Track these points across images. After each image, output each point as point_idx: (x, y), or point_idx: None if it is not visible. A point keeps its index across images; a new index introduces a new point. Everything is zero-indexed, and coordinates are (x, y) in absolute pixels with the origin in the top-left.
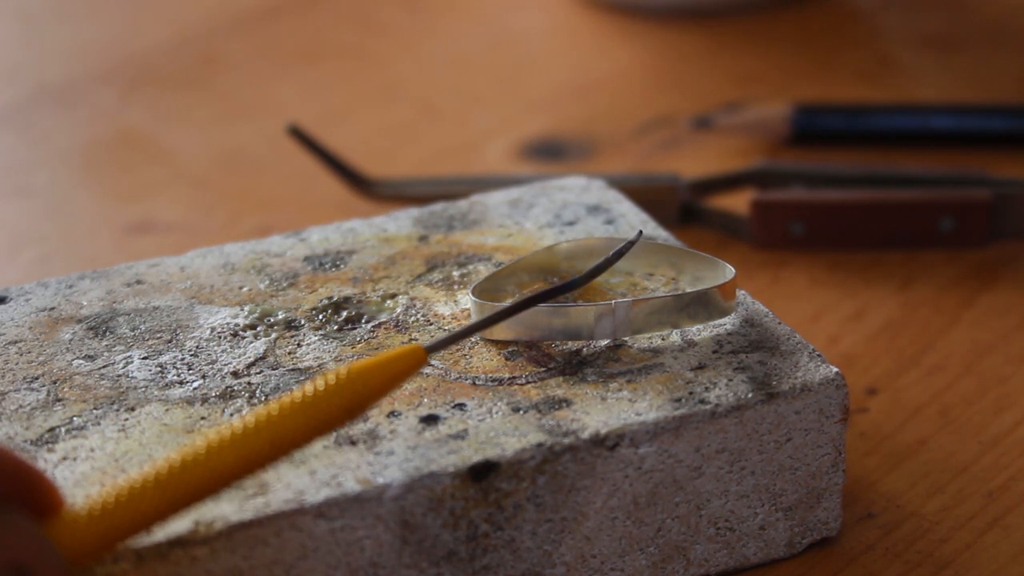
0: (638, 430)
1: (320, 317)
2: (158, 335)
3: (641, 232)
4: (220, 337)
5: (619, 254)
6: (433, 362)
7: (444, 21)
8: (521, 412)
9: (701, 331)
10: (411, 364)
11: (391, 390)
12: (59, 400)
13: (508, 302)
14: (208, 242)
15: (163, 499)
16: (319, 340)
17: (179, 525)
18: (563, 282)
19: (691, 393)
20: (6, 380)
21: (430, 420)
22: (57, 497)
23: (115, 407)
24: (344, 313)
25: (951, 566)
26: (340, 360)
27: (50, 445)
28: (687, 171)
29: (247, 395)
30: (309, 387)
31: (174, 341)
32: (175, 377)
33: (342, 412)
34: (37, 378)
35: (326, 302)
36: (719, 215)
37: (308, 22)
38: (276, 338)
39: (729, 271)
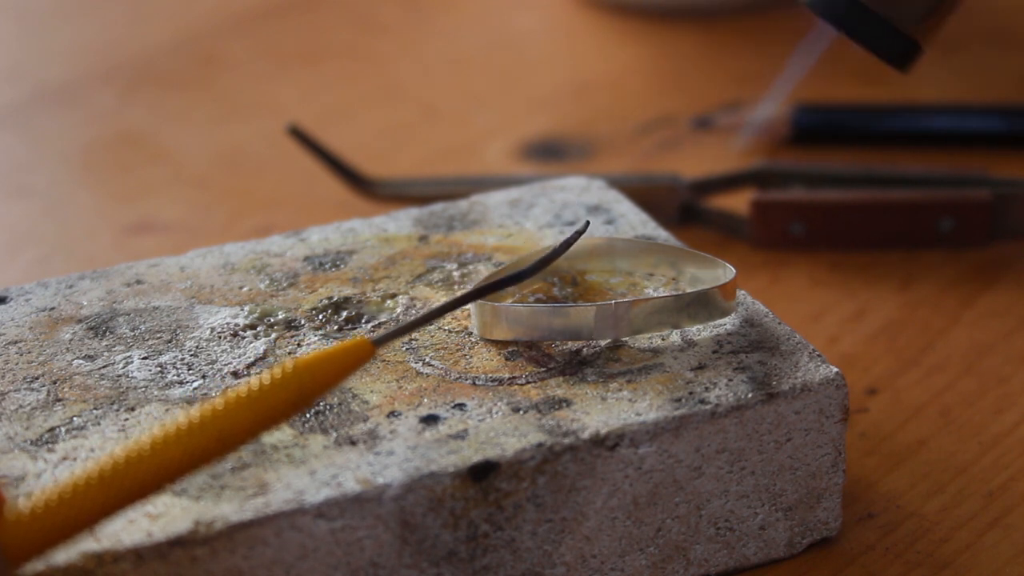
0: (638, 430)
1: (320, 317)
2: (158, 335)
3: (588, 222)
4: (220, 337)
5: (567, 244)
6: (433, 362)
7: (444, 21)
8: (521, 412)
9: (701, 331)
10: (358, 358)
11: (338, 384)
12: (59, 400)
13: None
14: (208, 242)
15: (108, 496)
16: (319, 340)
17: (179, 525)
18: (510, 274)
19: (691, 393)
20: (6, 380)
21: (430, 420)
22: None
23: (115, 407)
24: (344, 313)
25: (951, 566)
26: None
27: (50, 445)
28: (687, 171)
29: None
30: (255, 381)
31: (174, 341)
32: (175, 377)
33: (288, 406)
34: (37, 378)
35: (326, 302)
36: (719, 215)
37: (308, 22)
38: (276, 338)
39: (729, 271)
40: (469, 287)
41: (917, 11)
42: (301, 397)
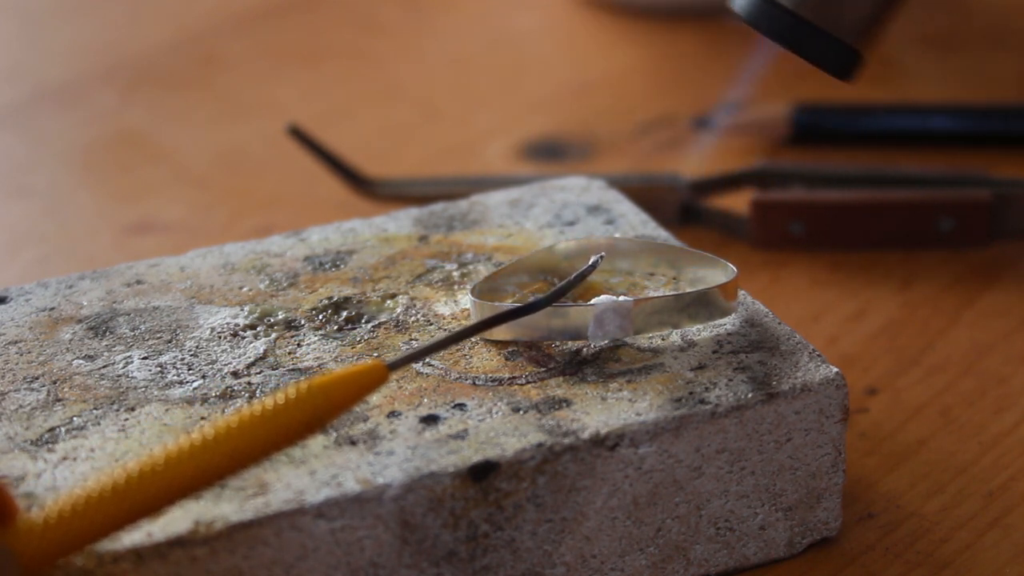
0: (638, 430)
1: (320, 317)
2: (158, 335)
3: (603, 255)
4: (220, 337)
5: (581, 276)
6: (432, 362)
7: (444, 21)
8: (521, 412)
9: (701, 331)
10: (373, 380)
11: (352, 405)
12: (59, 400)
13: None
14: (208, 242)
15: (121, 508)
16: (319, 340)
17: (179, 525)
18: (522, 304)
19: (691, 393)
20: (6, 380)
21: (430, 420)
22: (12, 505)
23: (115, 407)
24: (344, 313)
25: (951, 566)
26: (340, 360)
27: (50, 445)
28: (687, 171)
29: (247, 395)
30: (269, 401)
31: (174, 341)
32: (175, 377)
33: (302, 426)
34: (37, 378)
35: (326, 302)
36: (719, 215)
37: (308, 22)
38: (276, 338)
39: (730, 271)
40: (484, 316)
41: (858, 22)
42: (315, 418)
